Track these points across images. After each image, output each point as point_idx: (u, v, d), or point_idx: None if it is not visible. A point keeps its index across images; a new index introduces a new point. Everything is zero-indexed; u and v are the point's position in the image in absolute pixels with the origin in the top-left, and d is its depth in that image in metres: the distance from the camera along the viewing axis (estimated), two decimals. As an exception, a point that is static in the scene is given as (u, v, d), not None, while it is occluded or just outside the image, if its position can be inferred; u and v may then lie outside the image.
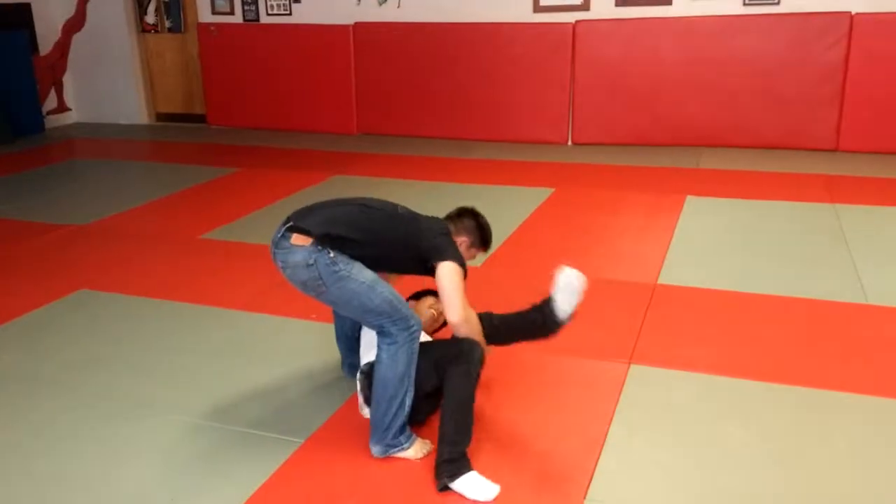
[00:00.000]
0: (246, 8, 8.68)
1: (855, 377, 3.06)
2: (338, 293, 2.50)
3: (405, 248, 2.64)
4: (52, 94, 9.46)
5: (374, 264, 2.58)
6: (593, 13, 7.43)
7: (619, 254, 4.58)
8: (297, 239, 2.51)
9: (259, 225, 5.24)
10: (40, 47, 9.17)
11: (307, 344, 3.45)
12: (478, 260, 4.30)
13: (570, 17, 7.47)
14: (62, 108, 9.59)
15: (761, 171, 6.35)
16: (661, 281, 4.08)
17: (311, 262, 2.47)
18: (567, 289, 2.81)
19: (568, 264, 2.78)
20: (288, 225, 2.58)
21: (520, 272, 4.24)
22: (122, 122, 9.52)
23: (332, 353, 3.18)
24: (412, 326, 2.53)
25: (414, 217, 2.75)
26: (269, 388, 3.09)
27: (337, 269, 2.47)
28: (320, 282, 2.48)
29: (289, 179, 6.42)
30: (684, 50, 7.19)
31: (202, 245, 4.91)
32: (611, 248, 4.70)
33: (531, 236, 4.90)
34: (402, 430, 2.56)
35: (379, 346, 2.55)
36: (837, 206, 5.28)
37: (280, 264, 2.57)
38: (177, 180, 6.58)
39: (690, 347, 3.33)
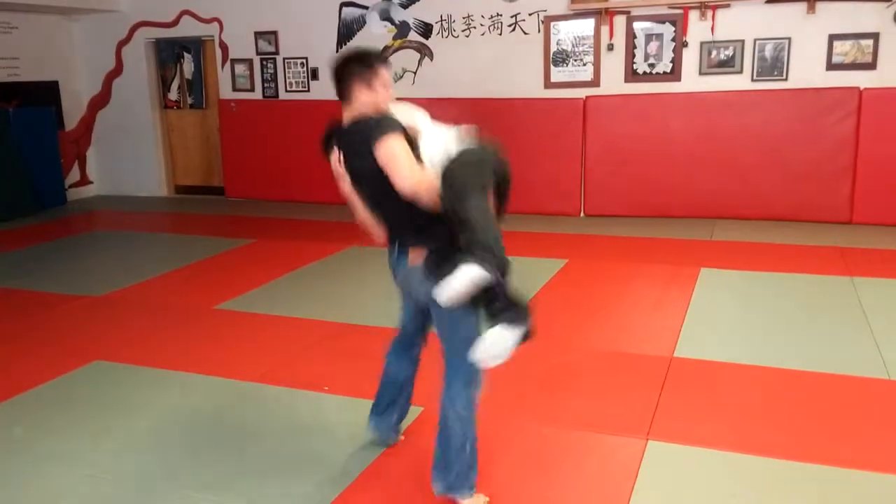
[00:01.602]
0: (266, 85, 8.94)
1: (878, 455, 2.97)
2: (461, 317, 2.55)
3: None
4: (75, 168, 9.70)
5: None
6: (603, 89, 7.59)
7: (633, 326, 4.54)
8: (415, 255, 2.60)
9: (273, 296, 5.26)
10: (66, 122, 9.45)
11: (321, 416, 3.41)
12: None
13: (580, 93, 7.64)
14: (84, 181, 9.81)
15: (776, 244, 6.34)
16: (677, 354, 4.03)
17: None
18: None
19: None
20: (399, 245, 2.67)
21: (532, 344, 4.20)
22: (143, 194, 9.71)
23: (346, 425, 3.14)
24: (478, 372, 2.60)
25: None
26: (283, 461, 3.04)
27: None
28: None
29: (305, 250, 6.48)
30: (694, 124, 7.30)
31: (216, 316, 4.93)
32: (625, 320, 4.67)
33: (544, 308, 4.88)
34: (466, 476, 2.60)
35: (444, 387, 2.62)
36: (854, 278, 5.24)
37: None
38: (194, 252, 6.66)
39: (709, 423, 3.27)
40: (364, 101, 2.62)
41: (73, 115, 9.58)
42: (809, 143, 6.99)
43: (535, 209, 7.84)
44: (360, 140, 2.55)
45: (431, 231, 2.54)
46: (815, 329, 4.37)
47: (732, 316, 4.65)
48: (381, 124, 2.53)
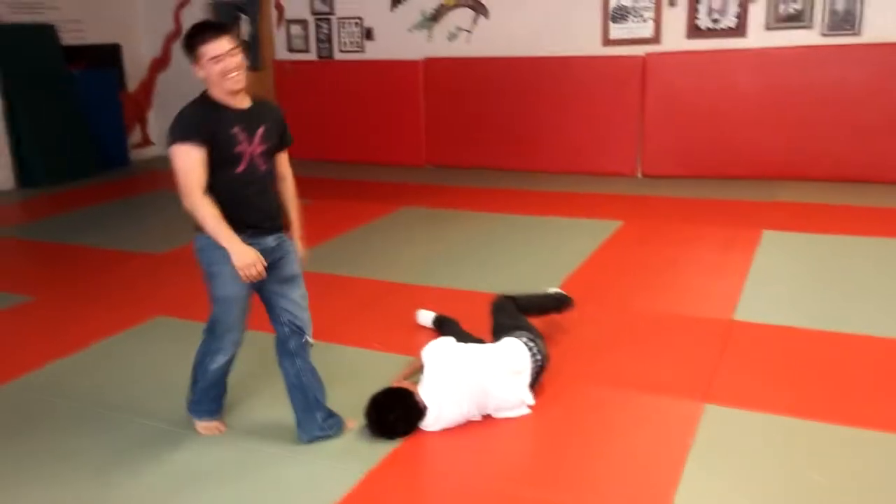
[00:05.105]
0: (320, 45, 8.94)
1: (949, 423, 2.87)
2: (206, 276, 2.75)
3: None
4: (137, 129, 9.90)
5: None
6: (664, 45, 7.35)
7: (692, 289, 4.45)
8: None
9: (328, 256, 5.30)
10: (128, 84, 9.63)
11: (374, 374, 3.44)
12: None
13: (639, 50, 7.42)
14: (146, 142, 10.02)
15: (842, 205, 6.11)
16: (737, 317, 3.94)
17: (197, 246, 2.72)
18: None
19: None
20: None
21: (587, 307, 4.16)
22: (202, 155, 9.84)
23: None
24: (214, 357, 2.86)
25: None
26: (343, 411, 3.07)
27: (208, 252, 2.68)
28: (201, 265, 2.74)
29: (358, 211, 6.51)
30: (760, 81, 7.03)
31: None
32: (683, 282, 4.57)
33: (599, 269, 4.82)
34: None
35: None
36: (927, 241, 5.02)
37: None
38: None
39: (769, 388, 3.19)
40: (205, 79, 2.60)
41: (135, 77, 9.75)
42: (882, 98, 6.66)
43: (592, 169, 7.71)
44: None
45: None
46: (883, 294, 4.21)
47: (795, 279, 4.51)
48: (173, 127, 2.63)
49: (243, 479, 2.70)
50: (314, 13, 8.87)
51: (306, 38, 8.99)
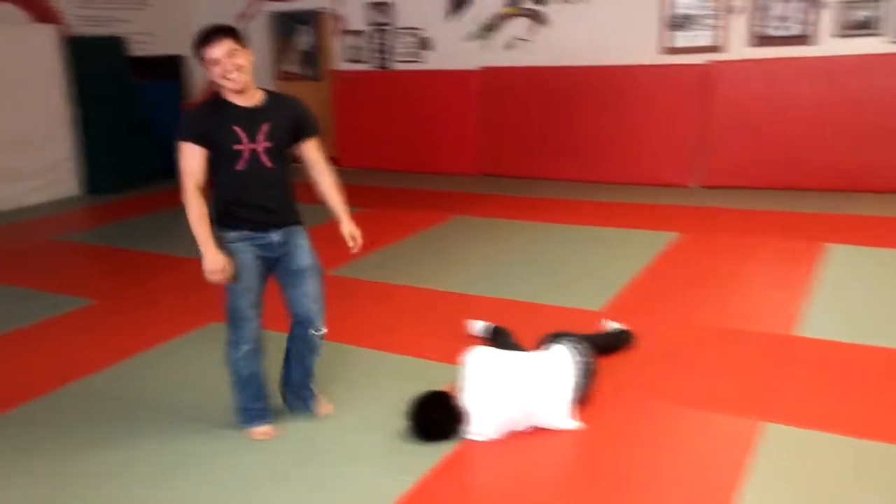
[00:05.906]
0: (378, 56, 9.03)
1: None
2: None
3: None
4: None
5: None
6: (727, 54, 7.20)
7: (751, 303, 4.32)
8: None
9: (382, 264, 5.32)
10: (193, 94, 9.88)
11: (425, 381, 3.42)
12: (596, 303, 4.20)
13: (701, 59, 7.28)
14: (207, 150, 10.25)
15: (914, 219, 5.87)
16: (798, 333, 3.80)
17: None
18: None
19: None
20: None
21: (642, 319, 4.07)
22: (260, 164, 10.04)
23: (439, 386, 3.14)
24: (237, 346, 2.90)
25: None
26: (388, 423, 3.07)
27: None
28: None
29: (411, 219, 6.53)
30: (826, 90, 6.82)
31: (330, 281, 5.03)
32: (742, 296, 4.44)
33: (655, 281, 4.72)
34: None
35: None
36: None
37: None
38: (307, 218, 6.82)
39: (831, 406, 3.07)
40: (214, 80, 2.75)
41: (198, 87, 9.98)
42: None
43: (649, 180, 7.59)
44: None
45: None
46: (957, 311, 4.01)
47: (859, 294, 4.33)
48: (178, 126, 2.79)
49: (279, 481, 2.71)
50: (372, 24, 8.98)
51: (364, 48, 9.09)
